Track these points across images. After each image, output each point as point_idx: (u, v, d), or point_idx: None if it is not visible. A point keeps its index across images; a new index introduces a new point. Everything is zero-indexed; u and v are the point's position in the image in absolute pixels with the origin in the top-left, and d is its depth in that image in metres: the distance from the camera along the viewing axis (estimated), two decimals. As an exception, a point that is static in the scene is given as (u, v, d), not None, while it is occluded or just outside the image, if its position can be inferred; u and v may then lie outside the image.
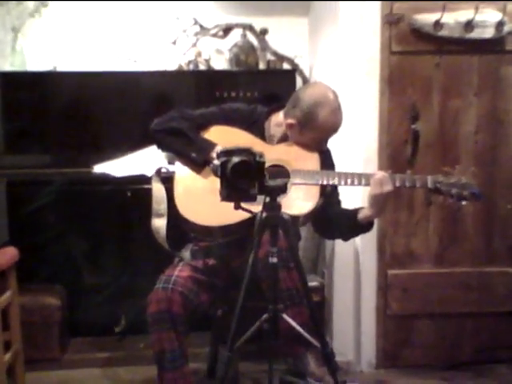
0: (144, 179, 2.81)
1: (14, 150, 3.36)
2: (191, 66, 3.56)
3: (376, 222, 2.90)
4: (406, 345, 3.04)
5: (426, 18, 2.81)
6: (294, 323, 1.94)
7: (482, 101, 2.93)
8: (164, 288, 2.20)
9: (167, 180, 2.37)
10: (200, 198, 2.26)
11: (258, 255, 1.89)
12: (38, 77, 3.48)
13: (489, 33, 2.83)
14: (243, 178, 1.78)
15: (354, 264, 3.02)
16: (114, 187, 3.20)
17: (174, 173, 2.35)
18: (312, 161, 2.31)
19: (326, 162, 2.38)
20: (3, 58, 3.57)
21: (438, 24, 2.81)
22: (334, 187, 2.37)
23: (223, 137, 2.32)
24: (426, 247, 3.00)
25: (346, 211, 2.37)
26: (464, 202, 2.15)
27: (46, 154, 3.38)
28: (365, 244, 2.97)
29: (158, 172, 2.39)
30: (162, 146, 2.41)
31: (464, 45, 2.87)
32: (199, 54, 3.59)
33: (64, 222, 3.23)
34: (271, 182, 1.83)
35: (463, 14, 2.81)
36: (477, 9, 2.78)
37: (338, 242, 3.08)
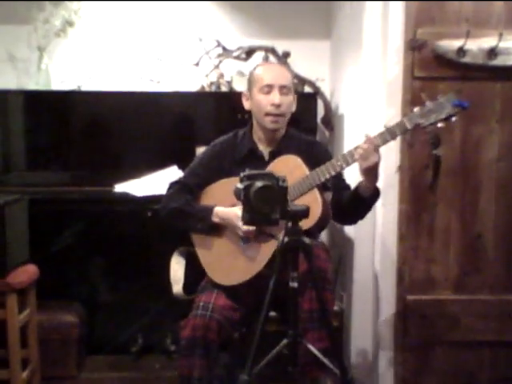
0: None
1: (37, 167, 3.41)
2: (213, 88, 3.59)
3: (395, 247, 2.92)
4: (425, 372, 2.99)
5: (450, 45, 2.81)
6: (313, 348, 1.93)
7: (505, 128, 2.91)
8: (202, 315, 2.21)
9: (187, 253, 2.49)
10: (228, 261, 2.33)
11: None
12: (62, 96, 3.54)
13: (512, 60, 2.83)
14: (266, 202, 1.78)
15: (372, 289, 3.00)
16: (134, 207, 3.21)
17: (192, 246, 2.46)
18: (297, 168, 2.32)
19: (317, 156, 2.42)
20: (28, 76, 3.62)
21: (461, 50, 2.80)
22: (336, 175, 2.35)
23: (226, 190, 2.28)
24: (445, 274, 2.96)
25: (350, 192, 2.42)
26: (454, 118, 2.19)
27: (68, 173, 3.42)
28: (384, 269, 2.95)
29: (178, 251, 2.52)
30: (176, 227, 2.51)
31: (487, 72, 2.85)
32: (221, 76, 3.61)
33: (83, 240, 3.25)
34: (293, 207, 1.84)
35: (487, 41, 2.81)
36: (501, 36, 2.77)
37: (357, 268, 3.07)
